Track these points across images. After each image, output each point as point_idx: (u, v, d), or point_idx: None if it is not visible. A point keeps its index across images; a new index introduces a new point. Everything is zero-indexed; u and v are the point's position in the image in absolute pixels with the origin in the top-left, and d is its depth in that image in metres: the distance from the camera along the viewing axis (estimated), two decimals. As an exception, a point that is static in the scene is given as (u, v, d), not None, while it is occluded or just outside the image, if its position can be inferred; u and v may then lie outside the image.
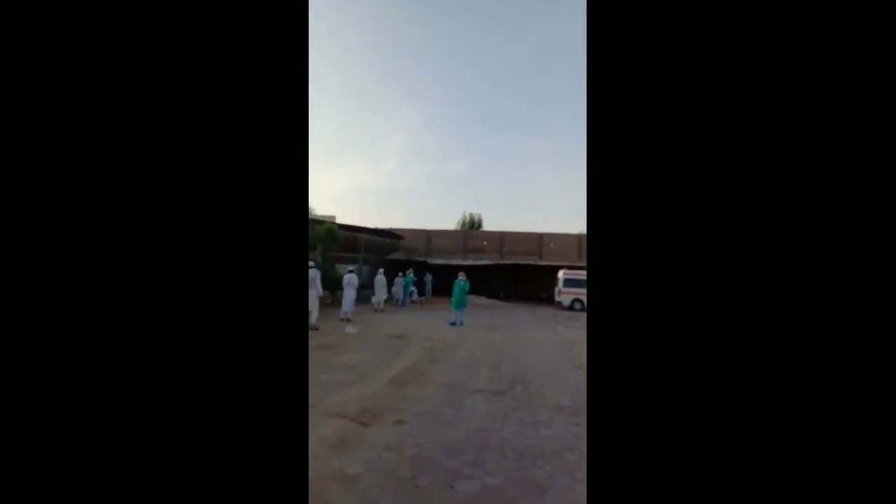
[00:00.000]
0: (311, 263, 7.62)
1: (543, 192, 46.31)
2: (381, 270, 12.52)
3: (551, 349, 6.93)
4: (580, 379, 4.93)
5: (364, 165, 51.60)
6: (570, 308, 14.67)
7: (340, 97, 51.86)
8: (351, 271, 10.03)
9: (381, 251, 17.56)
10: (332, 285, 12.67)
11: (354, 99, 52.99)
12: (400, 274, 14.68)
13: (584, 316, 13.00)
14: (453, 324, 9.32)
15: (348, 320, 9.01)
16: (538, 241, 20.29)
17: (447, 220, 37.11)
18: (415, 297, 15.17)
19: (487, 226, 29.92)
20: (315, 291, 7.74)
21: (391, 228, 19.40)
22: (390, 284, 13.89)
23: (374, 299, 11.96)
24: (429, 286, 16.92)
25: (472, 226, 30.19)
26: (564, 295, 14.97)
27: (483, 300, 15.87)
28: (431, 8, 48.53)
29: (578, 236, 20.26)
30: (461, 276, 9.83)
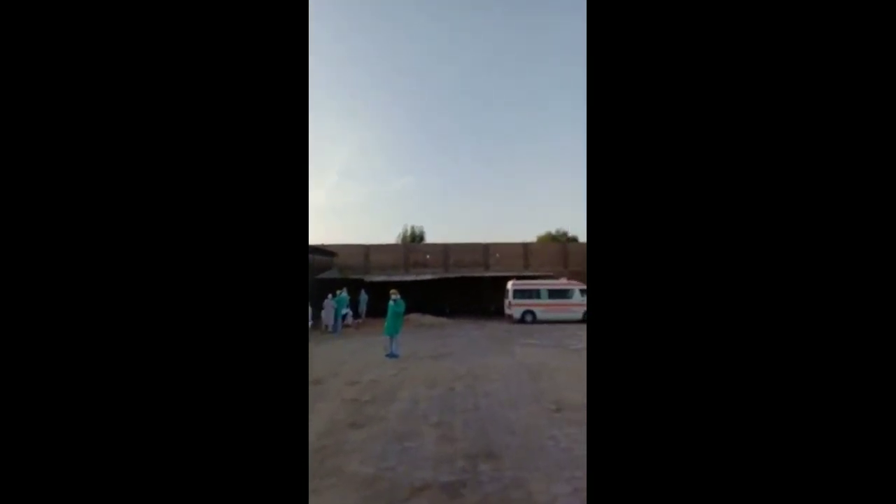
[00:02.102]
0: None
1: (489, 203, 45.83)
2: (304, 292, 10.40)
3: (514, 383, 5.41)
4: (568, 435, 3.43)
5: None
6: (522, 321, 13.46)
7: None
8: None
9: (312, 271, 15.29)
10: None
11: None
12: (329, 295, 12.44)
13: (537, 329, 11.83)
14: (391, 355, 7.54)
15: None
16: (483, 251, 19.14)
17: (391, 236, 34.96)
18: (349, 320, 13.06)
19: (430, 239, 28.38)
20: None
21: (323, 245, 17.21)
22: (318, 308, 11.75)
23: (295, 328, 9.78)
24: (363, 306, 14.82)
25: (414, 239, 28.41)
26: (515, 307, 13.73)
27: (428, 318, 14.14)
28: (384, 28, 47.07)
29: (524, 245, 19.47)
30: (394, 296, 7.89)
